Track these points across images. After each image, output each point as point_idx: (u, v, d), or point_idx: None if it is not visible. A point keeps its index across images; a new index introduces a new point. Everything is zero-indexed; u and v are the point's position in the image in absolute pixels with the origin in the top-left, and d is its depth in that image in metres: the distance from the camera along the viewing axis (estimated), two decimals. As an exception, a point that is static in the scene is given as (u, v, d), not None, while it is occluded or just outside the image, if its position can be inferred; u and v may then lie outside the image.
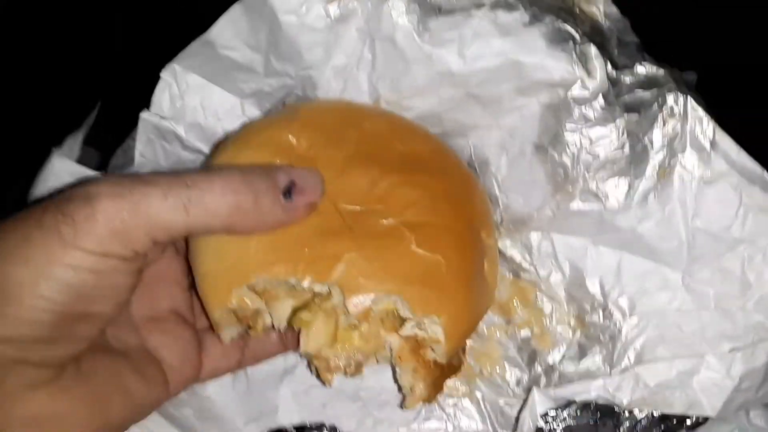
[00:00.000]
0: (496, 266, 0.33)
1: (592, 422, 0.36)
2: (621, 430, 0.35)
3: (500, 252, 0.38)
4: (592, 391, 0.33)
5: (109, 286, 0.23)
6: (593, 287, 0.36)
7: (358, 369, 0.29)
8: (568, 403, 0.36)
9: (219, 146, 0.31)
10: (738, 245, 0.32)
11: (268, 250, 0.26)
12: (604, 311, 0.36)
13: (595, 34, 0.34)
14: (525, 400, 0.35)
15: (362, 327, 0.28)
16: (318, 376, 0.29)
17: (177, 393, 0.29)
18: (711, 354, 0.32)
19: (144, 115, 0.35)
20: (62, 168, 0.34)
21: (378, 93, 0.34)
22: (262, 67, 0.34)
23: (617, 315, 0.35)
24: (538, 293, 0.38)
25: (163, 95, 0.35)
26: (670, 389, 0.33)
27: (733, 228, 0.32)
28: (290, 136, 0.29)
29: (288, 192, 0.25)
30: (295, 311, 0.28)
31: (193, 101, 0.35)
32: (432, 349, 0.29)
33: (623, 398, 0.33)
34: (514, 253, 0.38)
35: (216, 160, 0.29)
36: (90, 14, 0.42)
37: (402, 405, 0.30)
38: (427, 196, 0.29)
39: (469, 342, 0.36)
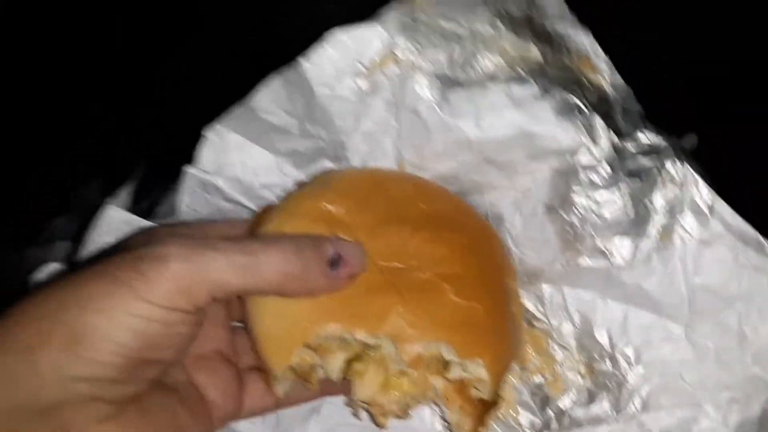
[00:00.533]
0: (522, 308, 0.36)
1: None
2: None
3: (515, 301, 0.41)
4: None
5: (173, 336, 0.26)
6: (601, 337, 0.38)
7: (406, 411, 0.33)
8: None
9: (265, 212, 0.34)
10: (735, 302, 0.35)
11: (323, 309, 0.29)
12: (611, 360, 0.38)
13: (601, 102, 0.38)
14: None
15: (411, 373, 0.31)
16: (372, 419, 0.32)
17: (219, 429, 0.32)
18: (710, 404, 0.34)
19: (189, 169, 0.38)
20: (117, 217, 0.38)
21: (402, 156, 0.38)
22: (297, 129, 0.38)
23: (624, 364, 0.38)
24: (550, 341, 0.40)
25: (206, 152, 0.38)
26: None
27: (730, 286, 0.35)
28: (327, 204, 0.32)
29: (334, 263, 0.29)
30: (348, 362, 0.31)
31: (233, 158, 0.38)
32: (476, 388, 0.31)
33: None
34: (527, 303, 0.40)
35: (265, 227, 0.32)
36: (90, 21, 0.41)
37: None
38: (454, 250, 0.32)
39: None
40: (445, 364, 0.31)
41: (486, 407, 0.32)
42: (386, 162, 0.38)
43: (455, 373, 0.31)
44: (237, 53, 0.40)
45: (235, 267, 0.26)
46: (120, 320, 0.24)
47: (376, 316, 0.30)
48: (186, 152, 0.38)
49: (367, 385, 0.32)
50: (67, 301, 0.25)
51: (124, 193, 0.40)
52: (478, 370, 0.31)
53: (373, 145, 0.38)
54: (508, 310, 0.34)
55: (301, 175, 0.39)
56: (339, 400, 0.39)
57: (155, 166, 0.42)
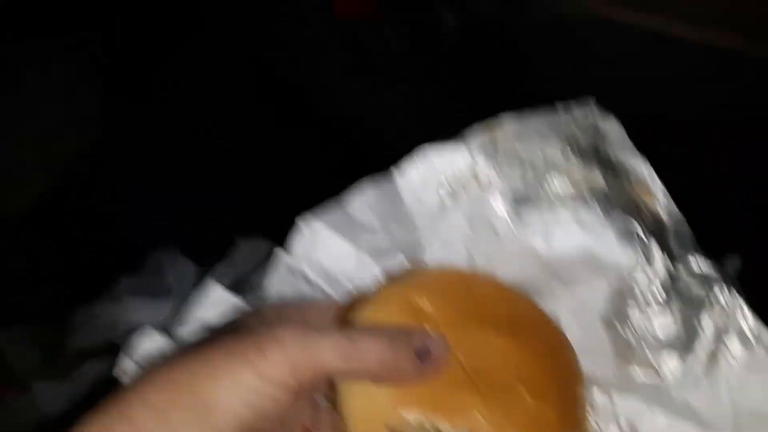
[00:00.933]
0: (588, 415, 0.38)
1: None
2: None
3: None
4: None
5: (277, 409, 0.30)
6: (647, 445, 0.41)
7: None
8: None
9: (356, 302, 0.37)
10: (778, 429, 0.37)
11: (408, 396, 0.32)
12: (656, 469, 0.41)
13: (656, 225, 0.42)
14: None
15: None
16: None
17: None
18: None
19: (280, 253, 0.43)
20: (216, 295, 0.43)
21: (474, 261, 0.42)
22: (381, 229, 0.43)
23: (667, 473, 0.40)
24: (599, 444, 0.43)
25: (297, 239, 0.43)
26: None
27: (774, 412, 0.37)
28: (416, 298, 0.35)
29: (422, 354, 0.31)
30: None
31: (320, 248, 0.43)
32: None
33: None
34: (578, 406, 0.43)
35: (359, 314, 0.36)
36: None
37: None
38: (532, 354, 0.35)
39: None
40: None
41: None
42: (458, 264, 0.42)
43: None
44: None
45: (339, 352, 0.30)
46: (242, 394, 0.29)
47: (457, 409, 0.32)
48: (272, 235, 0.43)
49: None
50: (198, 372, 0.29)
51: (224, 270, 0.45)
52: None
53: (448, 249, 0.42)
54: (578, 416, 0.36)
55: (377, 268, 0.43)
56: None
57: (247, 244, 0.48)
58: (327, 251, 0.44)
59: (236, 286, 0.48)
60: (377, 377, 0.32)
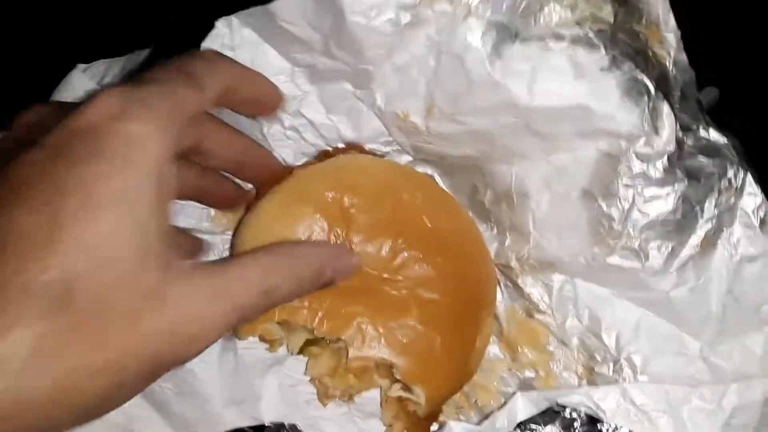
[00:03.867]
0: (488, 340, 0.37)
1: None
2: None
3: (518, 288, 0.37)
4: (575, 396, 0.33)
5: None
6: (609, 339, 0.35)
7: (350, 398, 0.37)
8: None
9: (268, 187, 0.34)
10: (765, 326, 0.32)
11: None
12: (615, 365, 0.35)
13: (661, 80, 0.33)
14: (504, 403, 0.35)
15: (358, 373, 0.34)
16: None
17: None
18: (706, 386, 0.32)
19: None
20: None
21: (433, 101, 0.32)
22: (320, 46, 0.32)
23: (628, 371, 0.35)
24: (550, 336, 0.37)
25: (214, 43, 0.32)
26: (657, 411, 0.33)
27: (763, 308, 0.32)
28: (335, 194, 0.33)
29: (327, 284, 0.29)
30: (308, 342, 0.35)
31: (244, 56, 0.32)
32: (414, 404, 0.34)
33: (606, 409, 0.32)
34: (533, 291, 0.37)
35: (269, 206, 0.33)
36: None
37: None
38: (439, 276, 0.33)
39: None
40: (393, 375, 0.33)
41: (421, 420, 0.35)
42: (414, 102, 0.33)
43: (395, 391, 0.34)
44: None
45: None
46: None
47: (342, 320, 0.32)
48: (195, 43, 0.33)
49: (317, 366, 0.35)
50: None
51: (104, 67, 0.37)
52: (418, 393, 0.33)
53: (404, 81, 0.32)
54: (469, 345, 0.35)
55: (316, 92, 0.34)
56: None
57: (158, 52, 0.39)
58: (252, 61, 0.32)
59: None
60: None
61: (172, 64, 0.28)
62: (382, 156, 0.37)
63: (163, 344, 0.23)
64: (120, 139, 0.23)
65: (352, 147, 0.36)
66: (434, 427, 0.37)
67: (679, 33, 0.32)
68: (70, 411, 0.22)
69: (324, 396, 0.36)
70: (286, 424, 0.38)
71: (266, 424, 0.37)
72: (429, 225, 0.34)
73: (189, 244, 0.35)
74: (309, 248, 0.31)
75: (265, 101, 0.33)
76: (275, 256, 0.28)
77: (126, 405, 0.34)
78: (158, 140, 0.24)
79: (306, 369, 0.37)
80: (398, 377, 0.33)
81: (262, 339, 0.35)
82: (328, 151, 0.36)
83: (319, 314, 0.32)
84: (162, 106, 0.25)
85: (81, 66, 0.37)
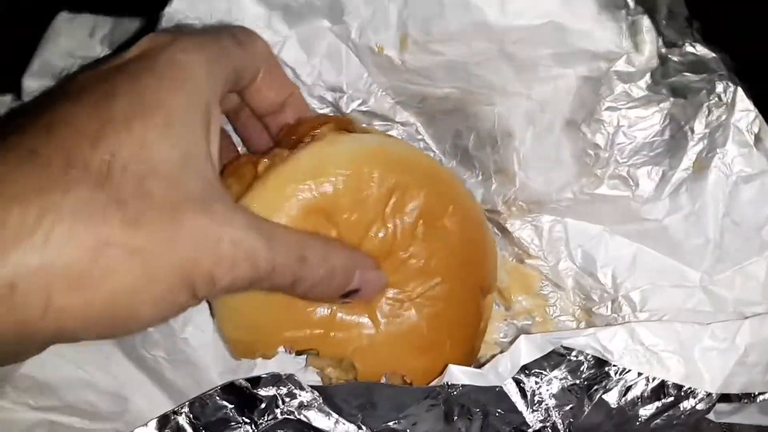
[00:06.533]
0: (490, 315, 0.35)
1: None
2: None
3: (507, 234, 0.36)
4: (581, 338, 0.31)
5: None
6: (604, 278, 0.34)
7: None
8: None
9: (263, 165, 0.29)
10: (766, 249, 0.31)
11: (296, 318, 0.30)
12: (613, 303, 0.34)
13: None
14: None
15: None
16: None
17: None
18: (718, 324, 0.29)
19: (168, 10, 0.31)
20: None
21: (406, 30, 0.31)
22: None
23: (626, 309, 0.34)
24: (543, 281, 0.36)
25: None
26: (667, 352, 0.30)
27: (764, 231, 0.30)
28: (323, 196, 0.29)
29: (349, 294, 0.28)
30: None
31: (220, 4, 0.31)
32: None
33: (614, 350, 0.30)
34: (522, 235, 0.35)
35: (257, 200, 0.28)
36: None
37: None
38: (443, 279, 0.31)
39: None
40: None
41: None
42: (387, 34, 0.31)
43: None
44: None
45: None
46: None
47: (345, 342, 0.30)
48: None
49: (318, 360, 0.33)
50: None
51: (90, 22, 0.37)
52: None
53: (376, 11, 0.31)
54: (476, 330, 0.33)
55: (295, 36, 0.32)
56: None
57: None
58: (228, 8, 0.31)
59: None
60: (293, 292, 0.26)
61: (214, 26, 0.29)
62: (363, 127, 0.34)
63: (198, 253, 0.22)
64: (173, 63, 0.24)
65: (323, 122, 0.32)
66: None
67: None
68: (104, 289, 0.21)
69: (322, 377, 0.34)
70: (282, 374, 0.36)
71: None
72: (425, 208, 0.31)
73: None
74: (343, 246, 0.29)
75: (277, 99, 0.32)
76: (312, 237, 0.27)
77: (117, 371, 0.34)
78: (207, 74, 0.25)
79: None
80: (409, 382, 0.31)
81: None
82: (293, 127, 0.32)
83: (325, 333, 0.30)
84: (212, 48, 0.26)
85: (65, 15, 0.37)
